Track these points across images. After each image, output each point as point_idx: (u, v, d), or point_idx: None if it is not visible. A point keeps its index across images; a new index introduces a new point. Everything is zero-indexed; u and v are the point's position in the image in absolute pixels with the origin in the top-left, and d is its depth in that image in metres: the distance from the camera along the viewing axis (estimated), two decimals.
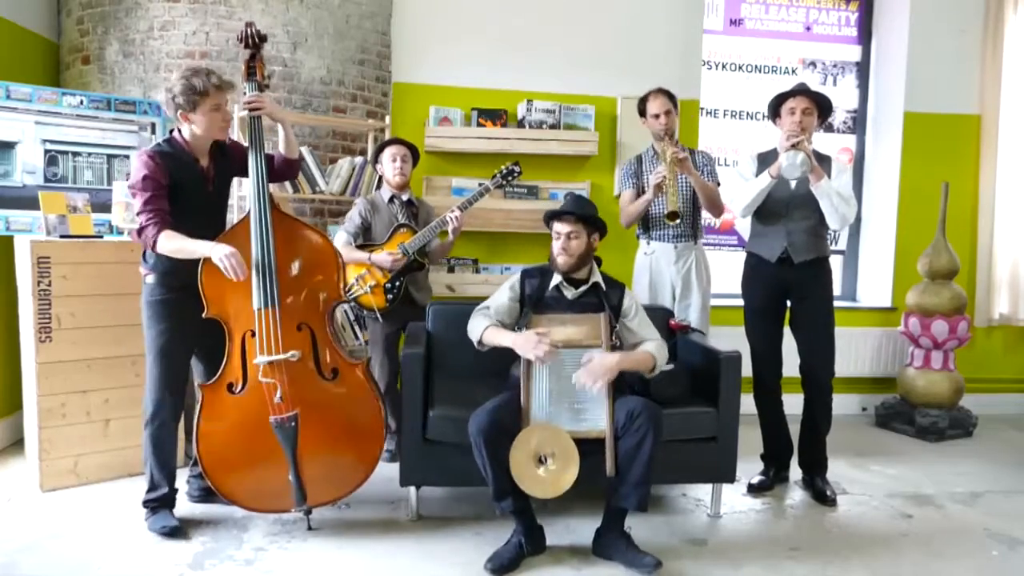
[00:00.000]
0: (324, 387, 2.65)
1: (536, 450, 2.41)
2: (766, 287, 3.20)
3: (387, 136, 3.89)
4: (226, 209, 2.82)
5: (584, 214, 2.63)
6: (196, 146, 2.61)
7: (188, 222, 2.50)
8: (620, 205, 3.57)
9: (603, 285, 2.71)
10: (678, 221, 3.24)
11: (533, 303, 2.68)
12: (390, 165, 3.38)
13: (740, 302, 3.35)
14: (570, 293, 2.69)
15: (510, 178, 3.43)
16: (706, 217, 3.71)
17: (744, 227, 3.38)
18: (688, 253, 3.48)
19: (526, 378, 2.53)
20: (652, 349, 2.63)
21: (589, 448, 2.45)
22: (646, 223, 3.52)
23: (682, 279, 3.47)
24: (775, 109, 3.15)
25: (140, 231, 2.49)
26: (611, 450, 2.46)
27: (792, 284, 3.15)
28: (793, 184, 3.07)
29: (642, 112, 3.50)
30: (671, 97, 3.44)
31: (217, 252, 2.43)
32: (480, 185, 3.45)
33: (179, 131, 2.60)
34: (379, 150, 3.44)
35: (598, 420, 2.51)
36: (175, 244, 2.47)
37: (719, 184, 3.50)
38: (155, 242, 2.46)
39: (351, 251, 3.29)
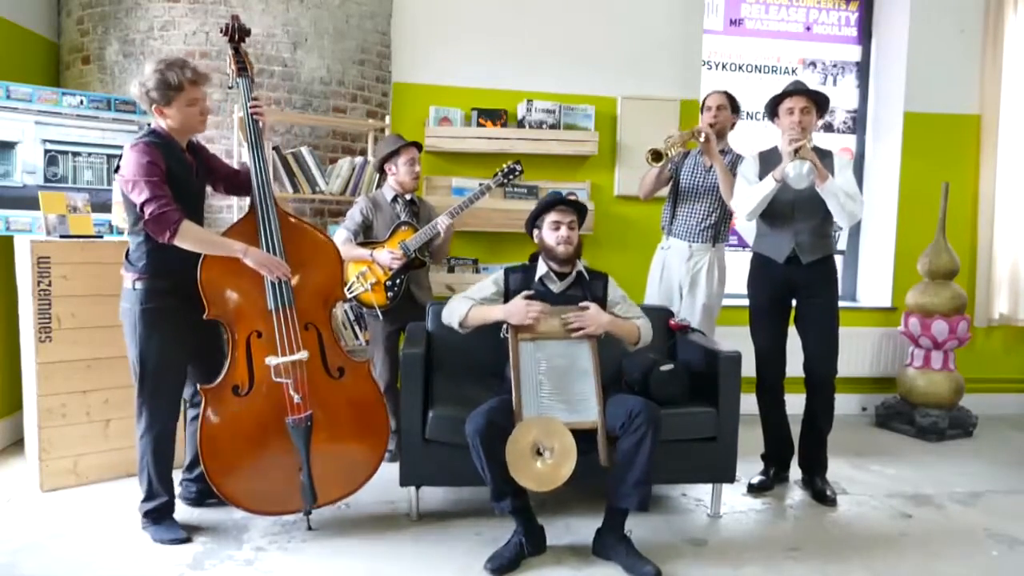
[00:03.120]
0: (331, 386, 2.65)
1: (534, 442, 2.41)
2: (773, 287, 3.19)
3: (387, 135, 3.89)
4: (203, 205, 2.71)
5: (577, 203, 2.77)
6: (178, 138, 2.53)
7: None
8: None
9: (586, 275, 2.78)
10: (663, 164, 3.30)
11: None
12: (407, 169, 3.37)
13: (741, 302, 3.35)
14: (555, 286, 2.74)
15: (511, 177, 3.43)
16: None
17: (747, 226, 3.38)
18: (702, 255, 3.48)
19: (516, 373, 2.54)
20: (640, 323, 2.75)
21: (587, 447, 2.45)
22: (673, 207, 3.54)
23: (690, 278, 3.48)
24: (772, 109, 3.15)
25: (156, 219, 2.34)
26: (603, 440, 2.47)
27: (799, 283, 3.14)
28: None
29: (702, 108, 3.56)
30: (731, 99, 3.50)
31: (253, 257, 2.44)
32: (481, 184, 3.45)
33: (157, 124, 2.52)
34: (395, 152, 3.39)
35: (590, 411, 2.53)
36: (199, 235, 2.42)
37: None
38: (176, 229, 2.35)
39: (352, 248, 3.29)
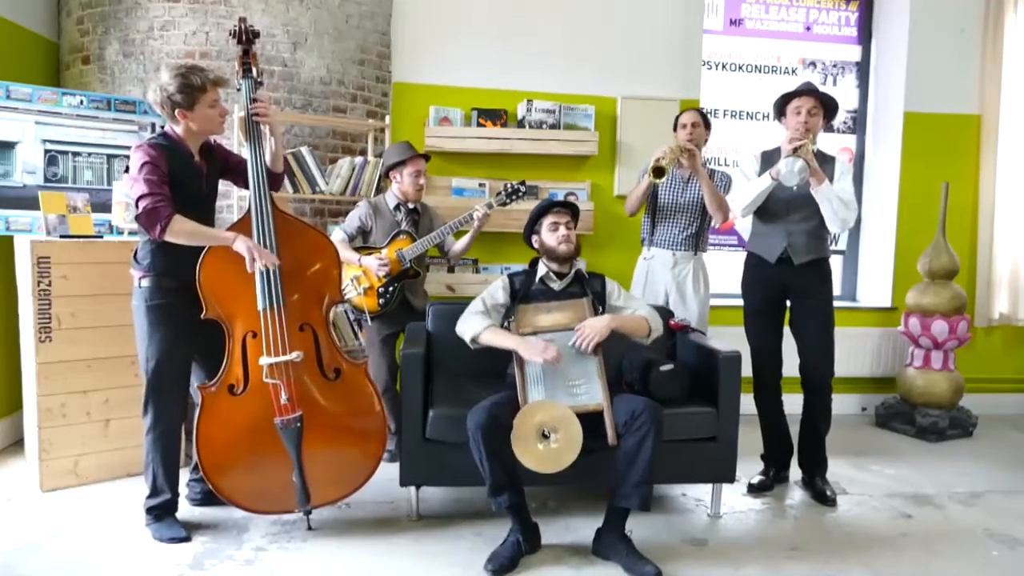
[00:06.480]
0: (327, 387, 2.65)
1: (540, 425, 2.43)
2: (766, 287, 3.20)
3: (387, 136, 3.89)
4: (215, 209, 2.77)
5: (573, 205, 2.84)
6: (190, 142, 2.57)
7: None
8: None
9: (585, 274, 2.85)
10: (664, 180, 3.24)
11: (521, 297, 2.77)
12: (412, 180, 3.38)
13: (740, 302, 3.35)
14: (556, 284, 2.80)
15: (514, 197, 3.44)
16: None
17: (744, 227, 3.38)
18: (686, 262, 3.47)
19: (519, 366, 2.57)
20: (645, 314, 2.74)
21: (593, 445, 2.45)
22: (652, 221, 3.51)
23: (676, 285, 3.46)
24: (781, 108, 3.15)
25: (148, 213, 2.37)
26: (610, 419, 2.48)
27: (792, 284, 3.15)
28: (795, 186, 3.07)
29: (675, 127, 3.52)
30: (704, 116, 3.48)
31: (242, 242, 2.43)
32: (483, 189, 3.46)
33: (171, 128, 2.56)
34: (400, 163, 3.38)
35: (594, 395, 2.54)
36: (189, 228, 2.42)
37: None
38: (167, 224, 2.37)
39: (344, 249, 3.28)
